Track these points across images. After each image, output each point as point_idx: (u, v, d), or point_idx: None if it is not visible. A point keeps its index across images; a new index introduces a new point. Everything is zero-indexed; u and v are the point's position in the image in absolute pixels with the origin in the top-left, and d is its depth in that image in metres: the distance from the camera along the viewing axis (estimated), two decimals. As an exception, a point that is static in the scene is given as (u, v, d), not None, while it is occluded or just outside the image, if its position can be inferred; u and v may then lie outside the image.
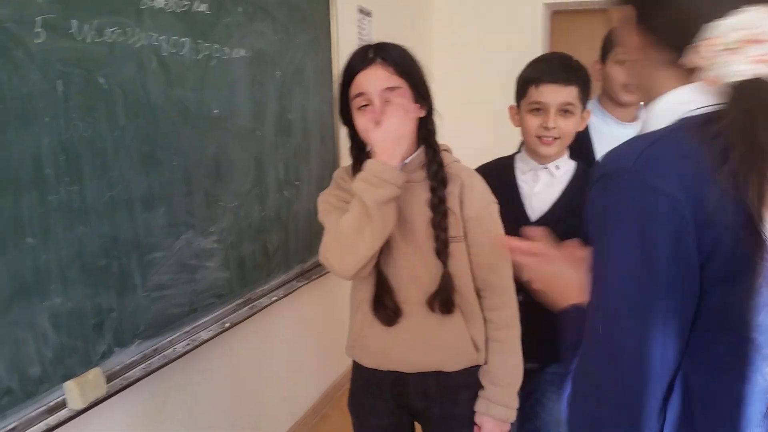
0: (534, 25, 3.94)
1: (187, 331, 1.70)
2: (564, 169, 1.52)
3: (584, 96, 1.45)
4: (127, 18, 1.43)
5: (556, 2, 4.04)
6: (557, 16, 4.13)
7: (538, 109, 1.44)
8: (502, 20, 3.96)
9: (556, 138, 1.43)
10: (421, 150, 1.25)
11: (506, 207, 1.36)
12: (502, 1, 4.06)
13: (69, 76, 1.28)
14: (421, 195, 1.22)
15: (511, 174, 1.55)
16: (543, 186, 1.51)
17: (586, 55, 1.69)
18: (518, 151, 1.59)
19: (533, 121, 1.45)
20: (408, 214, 1.22)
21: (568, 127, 1.44)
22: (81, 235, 1.33)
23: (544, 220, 1.45)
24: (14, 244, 1.18)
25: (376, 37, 3.19)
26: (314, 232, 2.47)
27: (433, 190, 1.21)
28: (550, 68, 1.44)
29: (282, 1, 2.13)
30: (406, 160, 1.22)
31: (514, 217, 1.38)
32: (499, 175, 1.52)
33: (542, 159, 1.49)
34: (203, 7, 1.70)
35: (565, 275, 0.98)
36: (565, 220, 1.28)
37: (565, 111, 1.43)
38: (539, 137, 1.45)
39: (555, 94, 1.41)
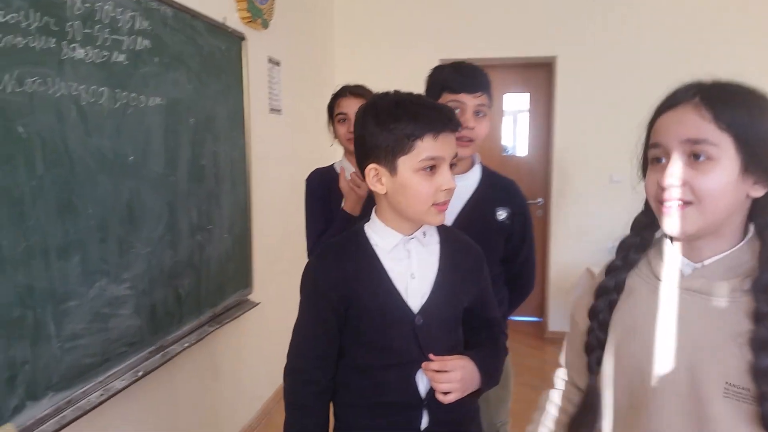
0: (431, 78, 4.23)
1: (101, 381, 1.66)
2: (430, 232, 1.23)
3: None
4: (49, 68, 1.44)
5: (450, 59, 4.35)
6: (452, 69, 4.44)
7: (431, 166, 1.11)
8: (402, 72, 4.19)
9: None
10: (750, 243, 0.87)
11: (379, 303, 1.15)
12: (402, 55, 4.33)
13: (-12, 125, 1.27)
14: (725, 320, 0.84)
15: (371, 254, 1.18)
16: (418, 263, 1.19)
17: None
18: (364, 219, 1.25)
19: (428, 184, 1.11)
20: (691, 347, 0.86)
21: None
22: (-4, 286, 1.30)
23: (429, 308, 1.17)
24: (-73, 297, 1.14)
25: (285, 85, 3.31)
26: (226, 277, 2.48)
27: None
28: None
29: (196, 52, 2.19)
30: (719, 255, 0.87)
31: (391, 314, 1.15)
32: (356, 257, 1.19)
33: (413, 227, 1.19)
34: (122, 58, 1.73)
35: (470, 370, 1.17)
36: (448, 298, 1.19)
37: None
38: (436, 204, 1.12)
39: (452, 147, 1.15)
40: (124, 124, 1.76)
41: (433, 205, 1.11)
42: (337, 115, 1.99)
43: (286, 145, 3.37)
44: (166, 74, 1.99)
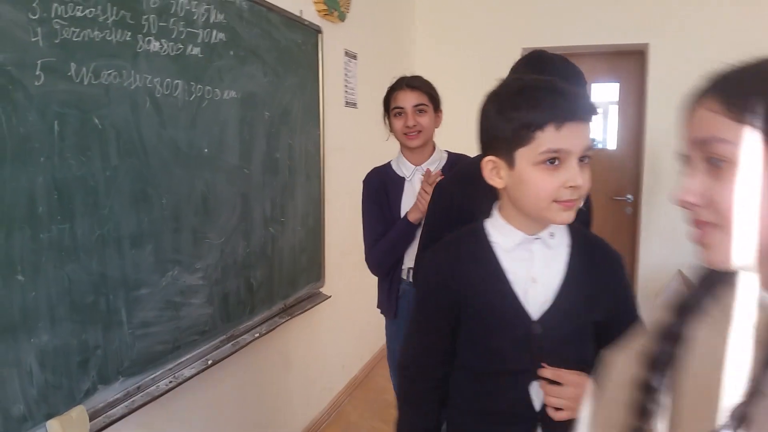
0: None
1: (170, 369, 1.70)
2: (558, 234, 1.10)
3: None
4: (124, 61, 1.47)
5: (532, 47, 4.20)
6: (535, 60, 4.29)
7: (553, 159, 0.98)
8: (482, 63, 4.09)
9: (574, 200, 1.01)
10: None
11: (494, 305, 1.07)
12: (482, 45, 4.21)
13: (65, 117, 1.31)
14: None
15: (490, 253, 1.09)
16: (541, 267, 1.08)
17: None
18: (484, 215, 1.15)
19: (549, 180, 0.98)
20: None
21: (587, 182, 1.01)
22: (70, 273, 1.34)
23: (550, 318, 1.06)
24: (4, 281, 1.19)
25: (361, 78, 3.29)
26: (298, 269, 2.49)
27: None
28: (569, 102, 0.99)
29: (272, 46, 2.20)
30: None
31: (506, 319, 1.07)
32: (473, 254, 1.11)
33: (538, 227, 1.07)
34: (196, 51, 1.75)
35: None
36: (574, 310, 1.07)
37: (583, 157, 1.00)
38: (559, 201, 0.99)
39: (581, 139, 0.99)
40: (199, 117, 1.78)
41: (555, 201, 0.99)
42: (393, 109, 1.92)
43: (362, 139, 3.35)
44: (242, 68, 2.01)
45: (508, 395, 1.09)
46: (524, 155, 0.99)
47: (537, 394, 1.07)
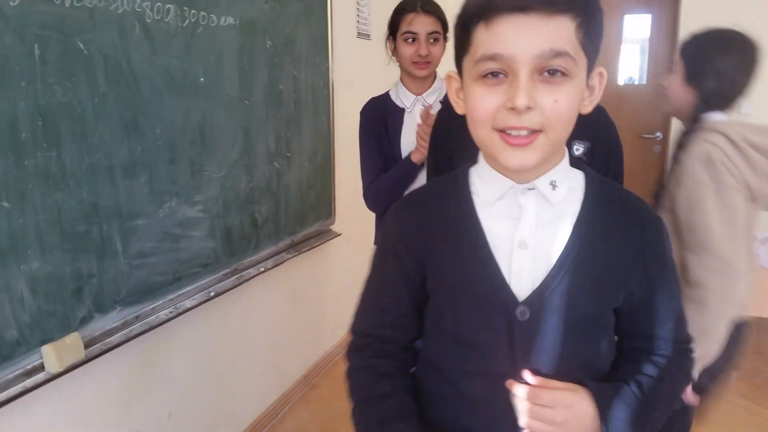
0: None
1: (171, 299, 1.71)
2: (566, 186, 0.80)
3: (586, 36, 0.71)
4: (108, -18, 1.41)
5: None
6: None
7: (495, 72, 0.71)
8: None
9: (535, 131, 0.71)
10: None
11: (467, 277, 0.79)
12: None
13: (46, 40, 1.27)
14: None
15: (468, 208, 0.82)
16: (533, 227, 0.78)
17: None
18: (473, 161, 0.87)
19: (487, 98, 0.72)
20: None
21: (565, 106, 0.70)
22: (59, 201, 1.33)
23: (543, 299, 0.77)
24: (-11, 207, 1.18)
25: (376, 8, 3.16)
26: (306, 205, 2.47)
27: None
28: None
29: (274, -31, 2.10)
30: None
31: (482, 297, 0.79)
32: (446, 208, 0.84)
33: (519, 173, 0.77)
34: (189, -26, 1.68)
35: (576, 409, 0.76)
36: (579, 290, 0.77)
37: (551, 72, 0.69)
38: (501, 130, 0.72)
39: (529, 39, 0.68)
40: (193, 44, 1.72)
41: (495, 131, 0.72)
42: (404, 33, 1.79)
43: (376, 73, 3.24)
44: (240, -8, 1.93)
45: (482, 404, 0.81)
46: (467, 66, 0.75)
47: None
